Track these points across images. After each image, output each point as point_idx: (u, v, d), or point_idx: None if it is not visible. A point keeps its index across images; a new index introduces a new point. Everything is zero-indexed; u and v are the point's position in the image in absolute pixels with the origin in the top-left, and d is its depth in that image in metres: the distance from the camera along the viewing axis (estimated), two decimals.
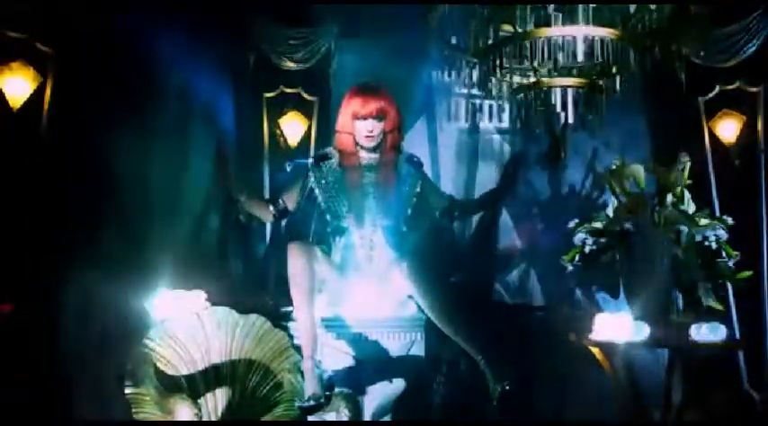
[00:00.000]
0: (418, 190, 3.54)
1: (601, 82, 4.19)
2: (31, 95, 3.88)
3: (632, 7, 3.95)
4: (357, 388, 3.18)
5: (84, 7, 3.98)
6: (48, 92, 3.91)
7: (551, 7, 3.91)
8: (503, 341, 3.38)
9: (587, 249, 3.89)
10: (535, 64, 4.08)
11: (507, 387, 2.99)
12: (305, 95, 4.58)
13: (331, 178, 3.47)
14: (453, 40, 4.12)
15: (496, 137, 4.93)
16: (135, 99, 4.22)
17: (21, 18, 3.83)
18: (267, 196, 4.22)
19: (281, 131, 4.55)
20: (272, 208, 3.56)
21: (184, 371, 3.16)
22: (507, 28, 4.03)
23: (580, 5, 3.84)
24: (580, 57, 3.83)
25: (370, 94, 3.43)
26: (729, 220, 3.80)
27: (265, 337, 3.23)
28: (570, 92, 4.13)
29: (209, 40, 4.28)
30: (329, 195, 3.44)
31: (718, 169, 4.50)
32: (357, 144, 3.49)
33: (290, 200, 3.55)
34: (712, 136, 4.57)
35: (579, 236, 3.91)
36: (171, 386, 3.13)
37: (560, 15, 3.85)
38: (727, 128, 4.55)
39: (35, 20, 3.86)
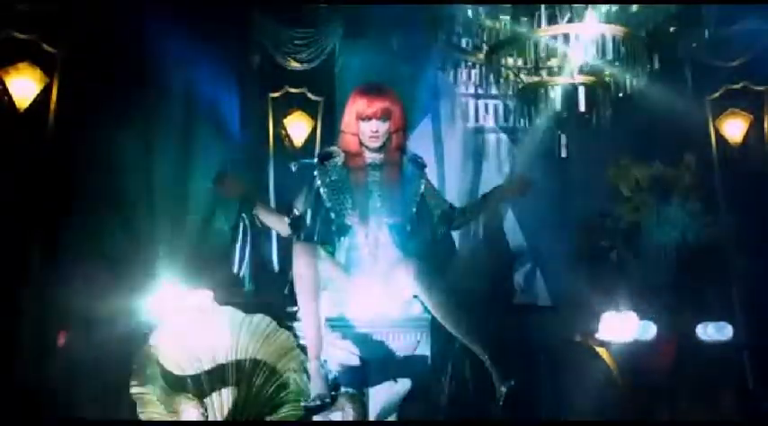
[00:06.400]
0: (422, 190, 3.52)
1: (607, 80, 4.18)
2: (38, 96, 3.89)
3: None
4: (362, 388, 3.17)
5: (89, 9, 3.99)
6: (54, 92, 3.92)
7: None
8: (509, 341, 3.37)
9: (593, 248, 3.88)
10: (540, 62, 4.07)
11: (513, 387, 2.98)
12: (310, 95, 4.58)
13: (335, 176, 3.46)
14: (457, 41, 4.11)
15: (502, 136, 4.92)
16: (140, 99, 4.23)
17: (27, 19, 3.84)
18: (271, 196, 4.24)
19: (287, 131, 4.55)
20: (286, 219, 3.52)
21: (190, 371, 3.16)
22: (513, 27, 4.02)
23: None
24: (585, 55, 3.82)
25: (374, 94, 3.41)
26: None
27: (271, 337, 3.23)
28: (577, 90, 4.12)
29: (215, 41, 4.29)
30: (334, 193, 3.43)
31: (724, 168, 4.49)
32: (362, 144, 3.48)
33: (300, 206, 3.52)
34: (718, 135, 4.56)
35: (585, 236, 3.90)
36: (176, 385, 3.13)
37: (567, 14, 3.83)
38: (734, 127, 4.54)
39: (41, 21, 3.88)
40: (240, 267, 3.69)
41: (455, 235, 3.81)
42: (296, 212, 3.48)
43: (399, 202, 3.41)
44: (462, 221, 3.62)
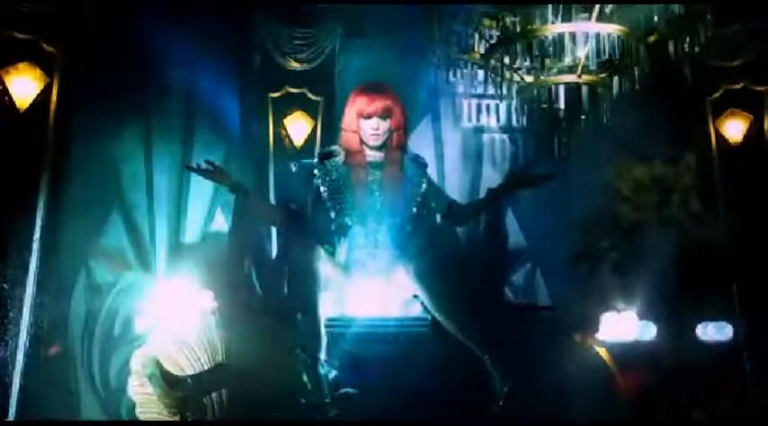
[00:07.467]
0: (423, 190, 3.53)
1: (607, 80, 4.17)
2: (38, 96, 3.89)
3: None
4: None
5: (89, 8, 3.99)
6: (54, 92, 3.91)
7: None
8: (508, 341, 3.37)
9: (593, 249, 3.88)
10: (543, 62, 4.05)
11: (513, 387, 2.99)
12: (310, 95, 4.58)
13: (336, 176, 3.47)
14: (457, 40, 4.10)
15: (502, 136, 4.92)
16: (140, 99, 4.23)
17: (27, 19, 3.84)
18: (271, 196, 4.24)
19: (287, 131, 4.55)
20: (283, 214, 3.51)
21: (190, 371, 3.16)
22: (512, 26, 4.01)
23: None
24: (583, 54, 3.80)
25: (375, 93, 3.43)
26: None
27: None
28: (577, 89, 4.11)
29: (215, 41, 4.29)
30: (334, 193, 3.44)
31: (724, 168, 4.49)
32: (363, 142, 3.48)
33: (300, 205, 3.52)
34: (719, 135, 4.56)
35: (585, 236, 3.90)
36: (176, 385, 3.13)
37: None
38: (734, 128, 4.55)
39: (41, 21, 3.87)
40: (242, 268, 3.68)
41: (456, 235, 3.81)
42: (292, 206, 3.48)
43: (400, 202, 3.42)
44: (467, 217, 3.61)
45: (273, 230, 3.97)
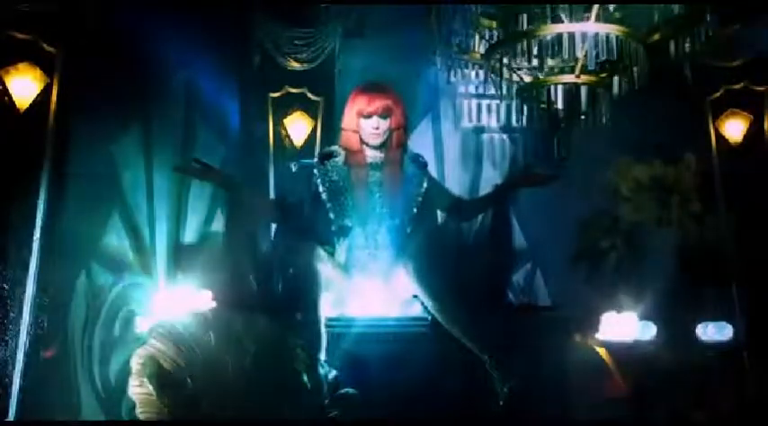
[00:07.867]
0: (423, 189, 3.53)
1: (607, 80, 4.17)
2: (38, 96, 3.89)
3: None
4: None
5: (89, 8, 3.99)
6: (54, 92, 3.91)
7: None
8: (508, 341, 3.37)
9: (593, 249, 3.88)
10: (543, 62, 4.06)
11: (513, 387, 2.99)
12: (310, 95, 4.59)
13: (336, 176, 3.47)
14: (457, 40, 4.10)
15: (502, 136, 4.92)
16: (140, 99, 4.23)
17: (27, 19, 3.84)
18: (271, 196, 4.24)
19: (287, 131, 4.55)
20: (278, 209, 3.52)
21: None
22: (512, 26, 4.01)
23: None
24: (581, 54, 3.80)
25: (375, 92, 3.44)
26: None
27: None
28: (577, 90, 4.11)
29: (215, 41, 4.29)
30: (334, 194, 3.44)
31: (724, 168, 4.49)
32: (363, 142, 3.49)
33: (300, 206, 3.52)
34: (719, 135, 4.56)
35: (585, 236, 3.90)
36: (176, 385, 3.13)
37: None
38: (734, 128, 4.55)
39: (41, 21, 3.87)
40: (240, 267, 3.69)
41: (456, 236, 3.81)
42: (288, 204, 3.48)
43: (400, 203, 3.43)
44: (471, 213, 3.62)
45: (272, 229, 3.98)
